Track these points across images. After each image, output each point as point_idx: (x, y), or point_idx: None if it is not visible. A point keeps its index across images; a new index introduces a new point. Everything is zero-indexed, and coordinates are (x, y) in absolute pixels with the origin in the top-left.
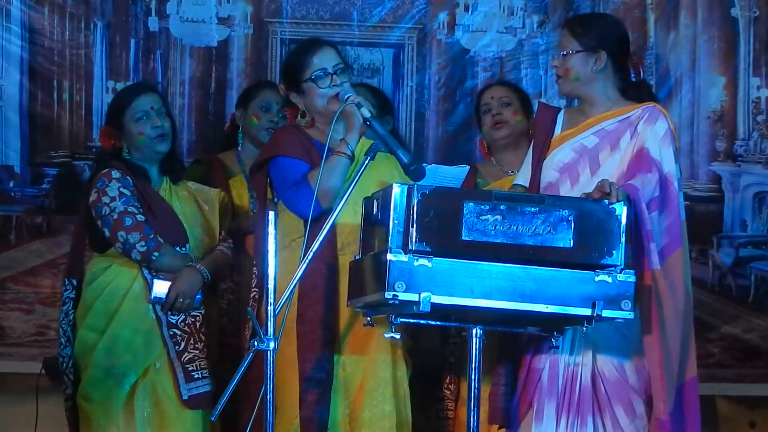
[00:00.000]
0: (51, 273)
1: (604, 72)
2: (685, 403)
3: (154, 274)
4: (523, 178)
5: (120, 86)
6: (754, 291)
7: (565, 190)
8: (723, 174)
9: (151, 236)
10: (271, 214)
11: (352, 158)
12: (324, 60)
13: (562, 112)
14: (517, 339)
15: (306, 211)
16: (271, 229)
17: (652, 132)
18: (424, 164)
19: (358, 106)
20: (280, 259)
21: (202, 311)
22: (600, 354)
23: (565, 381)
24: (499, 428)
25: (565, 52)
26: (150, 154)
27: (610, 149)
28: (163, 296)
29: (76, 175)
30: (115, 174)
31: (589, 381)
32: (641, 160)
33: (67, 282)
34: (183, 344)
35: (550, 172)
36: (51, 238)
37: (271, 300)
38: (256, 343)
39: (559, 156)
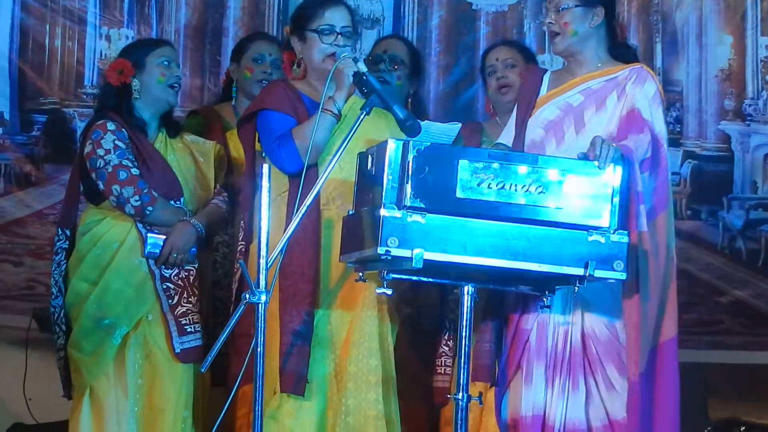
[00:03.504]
0: (39, 224)
1: (598, 29)
2: (658, 365)
3: (148, 228)
4: (506, 137)
5: (114, 33)
6: (765, 255)
7: (551, 149)
8: (732, 133)
9: (145, 190)
10: (265, 167)
11: (338, 117)
12: (335, 17)
13: (548, 74)
14: (504, 297)
15: (287, 166)
16: (264, 182)
17: (642, 93)
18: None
19: (355, 60)
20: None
21: (196, 265)
22: (590, 313)
23: (555, 342)
24: (490, 387)
25: (562, 7)
26: (157, 101)
27: (596, 108)
28: (157, 251)
29: (66, 122)
30: (111, 126)
31: (579, 341)
32: (633, 121)
33: (60, 232)
34: (176, 298)
35: (535, 130)
36: (40, 187)
37: (263, 253)
38: (247, 296)
39: (544, 114)
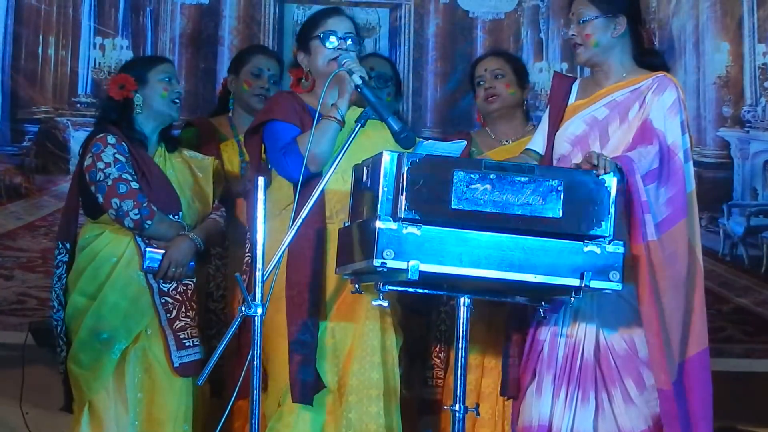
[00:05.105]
0: (30, 236)
1: (622, 38)
2: (690, 378)
3: (147, 242)
4: (535, 144)
5: (108, 42)
6: (767, 261)
7: (577, 162)
8: (731, 140)
9: (144, 204)
10: (261, 180)
11: (342, 123)
12: (337, 24)
13: (576, 82)
14: (526, 310)
15: (293, 174)
16: (260, 194)
17: (659, 103)
18: (421, 139)
19: (350, 72)
20: (271, 228)
21: (194, 279)
22: (608, 327)
23: (565, 354)
24: (507, 399)
25: (583, 19)
26: (159, 115)
27: (619, 121)
28: (156, 265)
29: (59, 132)
30: (111, 139)
31: (592, 355)
32: (644, 131)
33: (60, 245)
34: (174, 312)
35: (562, 145)
36: (31, 199)
37: (259, 266)
38: (243, 309)
39: (571, 128)
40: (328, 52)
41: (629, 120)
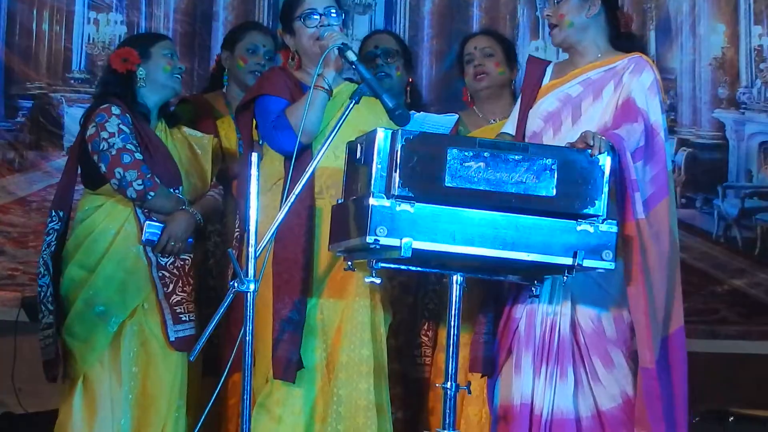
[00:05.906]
0: (22, 211)
1: (596, 19)
2: (670, 354)
3: (147, 215)
4: (510, 126)
5: (102, 17)
6: (761, 243)
7: (548, 139)
8: (726, 121)
9: (148, 176)
10: (254, 156)
11: (329, 92)
12: (316, 0)
13: (551, 65)
14: (500, 288)
15: (284, 146)
16: (253, 170)
17: (638, 83)
18: (413, 112)
19: (342, 50)
20: (261, 203)
21: (192, 255)
22: (577, 305)
23: (543, 331)
24: (482, 377)
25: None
26: (163, 88)
27: (593, 98)
28: (156, 238)
29: (53, 107)
30: (115, 110)
31: (569, 331)
32: (627, 110)
33: (53, 213)
34: (171, 286)
35: (535, 121)
36: (23, 174)
37: (252, 242)
38: (236, 285)
39: (544, 105)
40: (311, 31)
41: (603, 98)
